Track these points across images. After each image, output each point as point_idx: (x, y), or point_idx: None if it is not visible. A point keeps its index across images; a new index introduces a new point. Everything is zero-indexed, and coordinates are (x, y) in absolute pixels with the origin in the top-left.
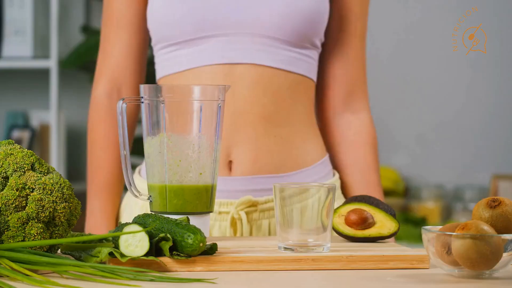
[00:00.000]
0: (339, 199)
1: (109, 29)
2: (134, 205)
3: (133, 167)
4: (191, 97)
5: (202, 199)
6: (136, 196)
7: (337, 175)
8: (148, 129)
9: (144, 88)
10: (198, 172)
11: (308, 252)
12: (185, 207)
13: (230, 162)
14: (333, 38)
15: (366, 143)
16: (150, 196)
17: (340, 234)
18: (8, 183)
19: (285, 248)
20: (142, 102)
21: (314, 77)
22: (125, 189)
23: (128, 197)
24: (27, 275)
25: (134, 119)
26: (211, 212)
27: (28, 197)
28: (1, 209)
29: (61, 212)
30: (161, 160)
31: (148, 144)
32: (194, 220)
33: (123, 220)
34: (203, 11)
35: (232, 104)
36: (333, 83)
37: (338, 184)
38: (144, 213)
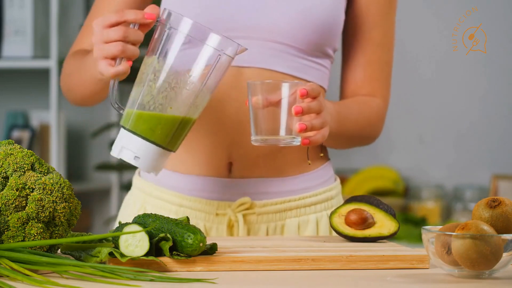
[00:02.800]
0: (340, 203)
1: (97, 9)
2: (133, 205)
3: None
4: (196, 37)
5: (165, 131)
6: (114, 107)
7: (338, 180)
8: (149, 48)
9: (163, 12)
10: (169, 106)
11: (278, 142)
12: (147, 133)
13: (230, 163)
14: (347, 45)
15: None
16: (123, 109)
17: (340, 234)
18: (8, 183)
19: (256, 140)
20: (156, 24)
21: (325, 85)
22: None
23: (127, 198)
24: (27, 275)
25: None
26: (171, 151)
27: (28, 197)
28: (1, 209)
29: (61, 212)
30: (143, 80)
31: (143, 63)
32: (148, 152)
33: (121, 219)
34: (217, 12)
35: (238, 105)
36: (343, 85)
37: (339, 189)
38: (144, 213)
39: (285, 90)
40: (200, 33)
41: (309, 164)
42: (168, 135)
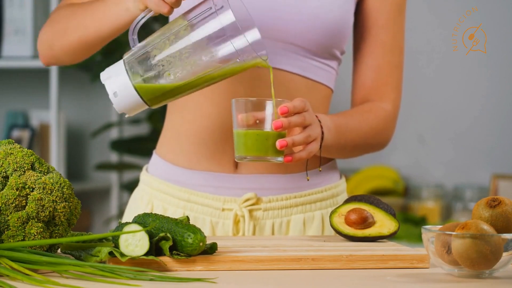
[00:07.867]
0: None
1: None
2: (140, 200)
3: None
4: (228, 34)
5: (154, 91)
6: (130, 38)
7: (343, 177)
8: (187, 10)
9: None
10: (169, 72)
11: (262, 159)
12: (137, 83)
13: None
14: (357, 49)
15: (358, 107)
16: (135, 46)
17: (340, 233)
18: (8, 183)
19: (240, 158)
20: None
21: (332, 86)
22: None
23: (135, 193)
24: (27, 274)
25: None
26: (149, 107)
27: (28, 196)
28: (1, 208)
29: (61, 212)
30: (163, 34)
31: (176, 19)
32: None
33: (128, 214)
34: None
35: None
36: (353, 89)
37: (344, 186)
38: (144, 213)
39: (270, 108)
40: (233, 32)
41: (308, 180)
42: (155, 95)
